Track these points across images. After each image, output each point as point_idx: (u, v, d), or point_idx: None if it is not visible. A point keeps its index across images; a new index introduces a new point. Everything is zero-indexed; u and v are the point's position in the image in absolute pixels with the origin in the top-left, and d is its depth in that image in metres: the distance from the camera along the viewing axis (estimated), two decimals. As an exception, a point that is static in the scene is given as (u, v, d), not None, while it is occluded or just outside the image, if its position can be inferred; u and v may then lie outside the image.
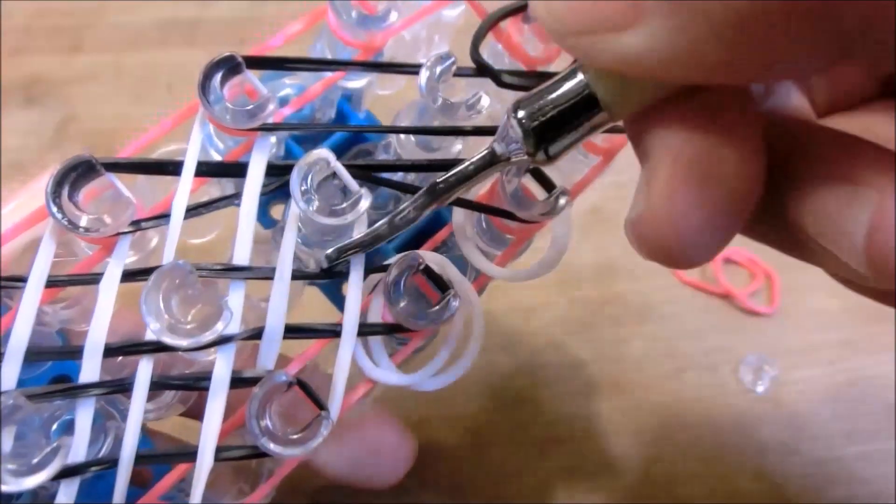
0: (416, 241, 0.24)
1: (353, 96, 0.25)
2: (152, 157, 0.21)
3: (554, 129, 0.17)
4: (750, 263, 0.41)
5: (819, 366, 0.39)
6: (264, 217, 0.26)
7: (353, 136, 0.24)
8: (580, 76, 0.16)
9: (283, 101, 0.23)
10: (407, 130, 0.22)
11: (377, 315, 0.21)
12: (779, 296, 0.40)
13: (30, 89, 0.45)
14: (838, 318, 0.40)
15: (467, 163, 0.18)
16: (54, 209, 0.18)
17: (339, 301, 0.25)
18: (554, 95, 0.17)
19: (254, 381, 0.18)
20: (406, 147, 0.22)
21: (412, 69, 0.22)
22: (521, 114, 0.17)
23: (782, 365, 0.38)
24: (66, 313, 0.21)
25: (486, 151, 0.18)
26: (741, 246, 0.42)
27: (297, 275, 0.20)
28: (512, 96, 0.23)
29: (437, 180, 0.19)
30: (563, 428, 0.36)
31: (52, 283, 0.19)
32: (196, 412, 0.19)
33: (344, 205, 0.19)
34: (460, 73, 0.22)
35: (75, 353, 0.18)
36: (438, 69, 0.21)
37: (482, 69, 0.21)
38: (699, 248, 0.16)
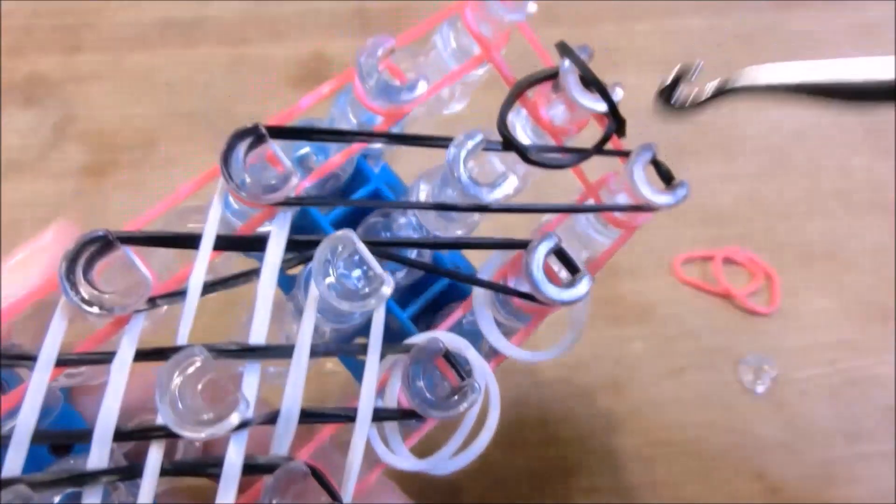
0: (430, 308, 0.24)
1: (371, 154, 0.25)
2: (171, 218, 0.21)
3: None
4: (750, 263, 0.41)
5: (819, 366, 0.39)
6: (284, 281, 0.25)
7: (371, 194, 0.24)
8: None
9: (302, 159, 0.23)
10: (429, 206, 0.22)
11: (393, 398, 0.20)
12: (779, 296, 0.40)
13: (30, 89, 0.45)
14: (838, 318, 0.40)
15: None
16: (68, 288, 0.18)
17: (351, 365, 0.25)
18: None
19: (267, 469, 0.18)
20: (427, 215, 0.22)
21: (441, 143, 0.21)
22: None
23: (782, 365, 0.38)
24: (71, 381, 0.21)
25: None
26: (741, 246, 0.42)
27: (316, 353, 0.19)
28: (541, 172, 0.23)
29: None
30: (563, 428, 0.36)
31: (62, 362, 0.18)
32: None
33: (367, 289, 0.19)
34: (488, 147, 0.21)
35: (84, 437, 0.18)
36: (467, 147, 0.20)
37: (508, 143, 0.21)
38: None
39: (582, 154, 0.22)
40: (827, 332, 0.40)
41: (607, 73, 0.23)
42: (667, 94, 0.19)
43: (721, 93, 0.17)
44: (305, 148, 0.24)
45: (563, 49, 0.21)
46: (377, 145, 0.24)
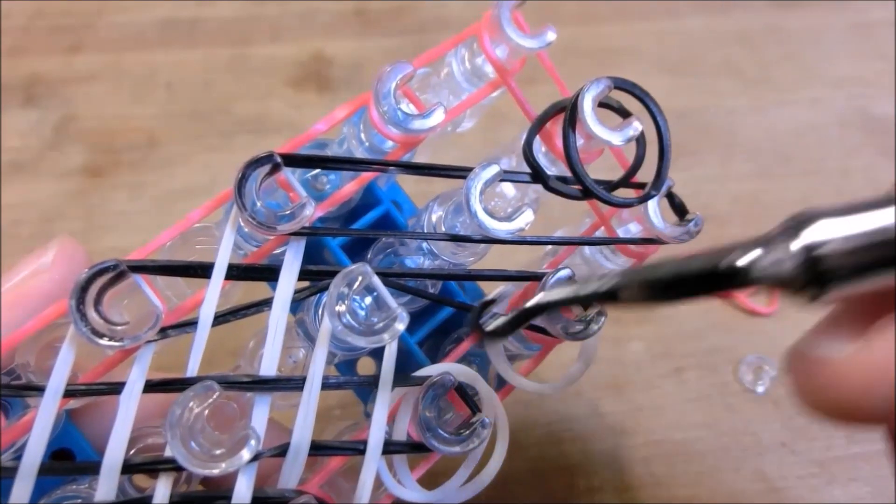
0: (438, 331, 0.24)
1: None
2: (177, 239, 0.21)
3: (847, 272, 0.13)
4: (750, 263, 0.41)
5: (819, 366, 0.39)
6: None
7: (382, 216, 0.24)
8: None
9: (312, 180, 0.23)
10: (442, 237, 0.21)
11: (403, 430, 0.20)
12: (779, 296, 0.40)
13: (30, 89, 0.45)
14: (838, 318, 0.40)
15: (683, 263, 0.14)
16: (78, 319, 0.18)
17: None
18: (861, 226, 0.13)
19: (278, 503, 0.18)
20: (439, 244, 0.22)
21: (456, 173, 0.21)
22: (806, 239, 0.13)
23: (782, 365, 0.38)
24: (76, 404, 0.20)
25: (715, 265, 0.14)
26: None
27: (327, 386, 0.19)
28: (559, 201, 0.22)
29: (646, 277, 0.15)
30: (563, 428, 0.36)
31: (70, 392, 0.18)
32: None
33: (380, 325, 0.19)
34: (505, 178, 0.21)
35: (92, 469, 0.18)
36: (484, 180, 0.20)
37: (535, 172, 0.21)
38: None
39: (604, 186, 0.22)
40: (827, 332, 0.40)
41: (608, 73, 0.23)
42: (475, 319, 0.19)
43: (527, 316, 0.18)
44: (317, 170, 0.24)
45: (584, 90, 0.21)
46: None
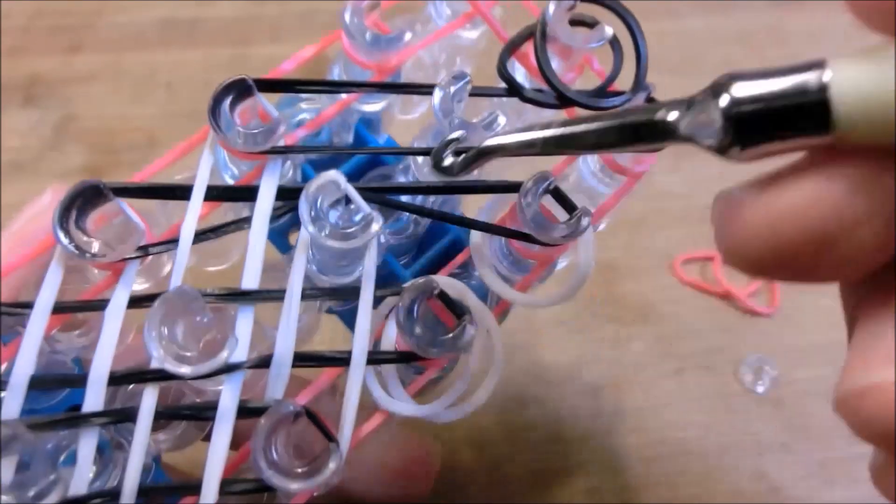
0: (434, 265, 0.24)
1: (371, 120, 0.25)
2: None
3: (761, 130, 0.14)
4: (750, 263, 0.41)
5: (819, 366, 0.39)
6: (283, 244, 0.25)
7: (370, 160, 0.24)
8: (826, 73, 0.13)
9: (301, 125, 0.23)
10: (421, 152, 0.21)
11: (390, 343, 0.20)
12: (779, 296, 0.40)
13: (30, 89, 0.45)
14: (838, 318, 0.39)
15: (617, 116, 0.16)
16: (61, 235, 0.18)
17: (350, 321, 0.24)
18: (777, 87, 0.13)
19: (261, 411, 0.18)
20: (423, 169, 0.22)
21: (426, 89, 0.21)
22: (725, 99, 0.14)
23: (782, 365, 0.38)
24: (81, 341, 0.20)
25: (650, 116, 0.15)
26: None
27: (307, 296, 0.19)
28: (534, 111, 0.22)
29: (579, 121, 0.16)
30: (563, 428, 0.36)
31: (59, 308, 0.18)
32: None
33: (354, 228, 0.19)
34: (476, 92, 0.21)
35: (79, 381, 0.18)
36: (453, 89, 0.20)
37: (511, 86, 0.21)
38: None
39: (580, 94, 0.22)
40: (827, 332, 0.40)
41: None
42: (437, 158, 0.20)
43: (478, 156, 0.19)
44: (304, 114, 0.24)
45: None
46: (375, 108, 0.24)
